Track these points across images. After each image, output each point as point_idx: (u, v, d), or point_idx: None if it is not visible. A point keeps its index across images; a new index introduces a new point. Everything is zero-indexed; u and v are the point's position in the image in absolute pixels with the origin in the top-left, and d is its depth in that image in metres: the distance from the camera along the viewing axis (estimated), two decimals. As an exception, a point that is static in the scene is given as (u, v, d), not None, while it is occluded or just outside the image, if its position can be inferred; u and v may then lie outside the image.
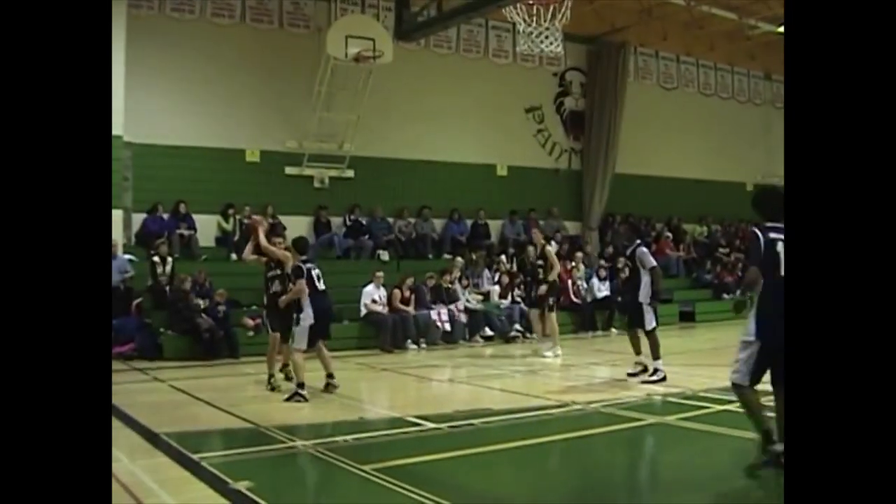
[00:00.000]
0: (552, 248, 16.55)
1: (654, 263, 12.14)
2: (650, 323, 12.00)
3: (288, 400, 10.60)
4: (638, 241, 12.45)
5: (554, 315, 15.99)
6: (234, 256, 18.67)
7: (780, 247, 6.45)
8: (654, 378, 11.61)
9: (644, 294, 11.98)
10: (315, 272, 11.07)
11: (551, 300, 15.94)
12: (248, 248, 12.17)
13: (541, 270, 15.90)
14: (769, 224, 6.66)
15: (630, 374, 12.12)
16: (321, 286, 11.08)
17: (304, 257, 11.21)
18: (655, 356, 11.81)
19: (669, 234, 25.55)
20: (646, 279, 12.00)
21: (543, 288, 15.75)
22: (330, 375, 11.26)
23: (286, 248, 11.77)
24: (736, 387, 6.73)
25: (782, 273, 6.33)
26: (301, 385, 10.65)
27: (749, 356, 6.61)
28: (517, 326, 18.98)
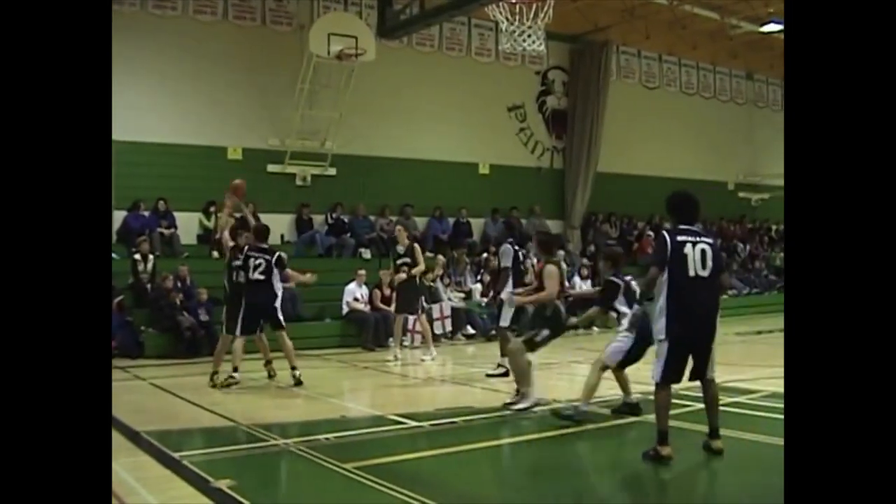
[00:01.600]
0: (418, 246, 15.41)
1: (508, 264, 12.20)
2: (504, 319, 12.09)
3: (224, 385, 11.37)
4: (510, 239, 12.73)
5: (424, 317, 15.59)
6: (215, 254, 18.65)
7: (689, 248, 6.87)
8: (497, 372, 12.06)
9: (505, 291, 12.08)
10: (253, 262, 11.57)
11: (423, 303, 15.56)
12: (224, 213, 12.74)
13: (406, 269, 15.10)
14: (680, 227, 7.07)
15: (488, 375, 12.37)
16: (253, 276, 11.56)
17: (260, 245, 11.85)
18: (503, 353, 11.85)
19: (651, 234, 25.64)
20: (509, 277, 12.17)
21: (402, 276, 14.93)
22: (293, 367, 11.68)
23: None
24: (656, 385, 7.13)
25: (691, 273, 6.81)
26: (234, 369, 11.49)
27: (661, 354, 7.02)
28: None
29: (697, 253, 6.85)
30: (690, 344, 6.99)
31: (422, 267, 15.02)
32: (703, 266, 6.85)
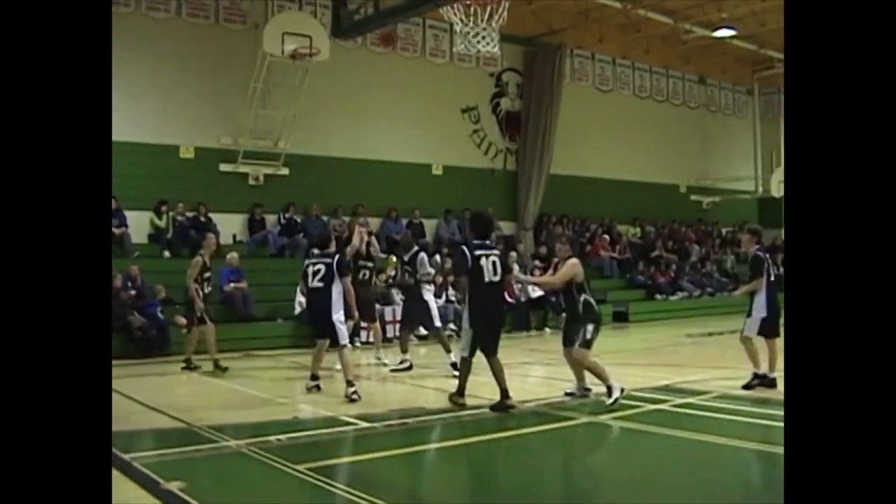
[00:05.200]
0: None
1: (431, 270, 13.81)
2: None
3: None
4: (416, 249, 13.80)
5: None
6: (167, 254, 18.51)
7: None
8: (402, 367, 13.25)
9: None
10: (312, 269, 11.05)
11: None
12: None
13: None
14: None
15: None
16: (312, 284, 10.98)
17: (315, 251, 11.62)
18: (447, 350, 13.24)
19: (607, 236, 25.80)
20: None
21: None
22: (349, 382, 10.82)
23: None
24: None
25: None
26: (312, 377, 11.42)
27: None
28: (451, 325, 18.94)
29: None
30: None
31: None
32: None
